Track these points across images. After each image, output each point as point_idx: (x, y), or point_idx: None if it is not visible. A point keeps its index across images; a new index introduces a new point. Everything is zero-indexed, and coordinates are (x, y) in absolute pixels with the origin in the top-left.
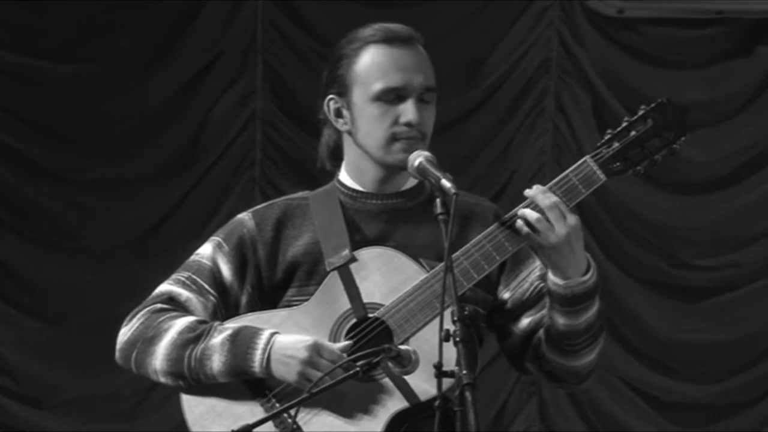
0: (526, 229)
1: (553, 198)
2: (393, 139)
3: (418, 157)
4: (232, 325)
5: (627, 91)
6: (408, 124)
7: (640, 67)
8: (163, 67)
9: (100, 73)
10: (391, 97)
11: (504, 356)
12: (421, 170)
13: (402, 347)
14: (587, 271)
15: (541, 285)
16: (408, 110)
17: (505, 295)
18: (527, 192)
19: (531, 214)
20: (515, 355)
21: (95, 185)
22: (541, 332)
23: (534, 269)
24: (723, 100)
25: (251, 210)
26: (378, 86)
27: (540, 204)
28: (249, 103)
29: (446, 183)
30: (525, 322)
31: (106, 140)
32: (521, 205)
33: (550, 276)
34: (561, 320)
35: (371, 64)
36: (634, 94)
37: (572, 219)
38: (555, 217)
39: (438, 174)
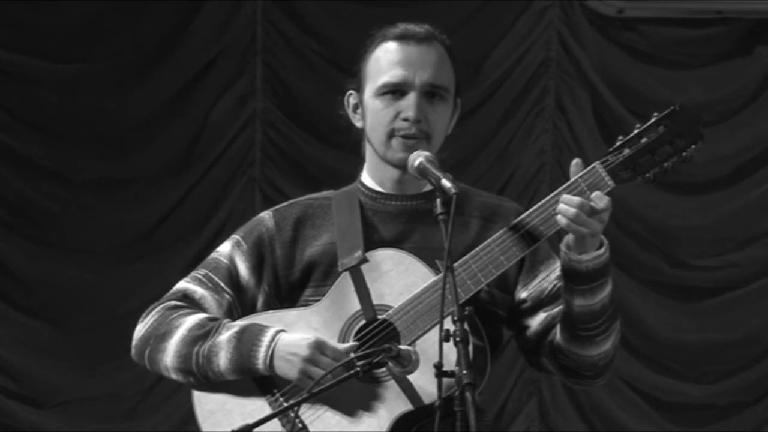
0: (565, 220)
1: (578, 199)
2: (392, 134)
3: (418, 158)
4: (239, 322)
5: (627, 91)
6: (406, 120)
7: (640, 67)
8: (163, 67)
9: (100, 73)
10: (393, 92)
11: (520, 352)
12: (421, 170)
13: (402, 347)
14: (600, 246)
15: (561, 284)
16: (407, 106)
17: (523, 294)
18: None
19: (568, 211)
20: (531, 351)
21: (95, 185)
22: (557, 327)
23: (554, 270)
24: (723, 100)
25: (273, 209)
26: (381, 81)
27: (568, 204)
28: (249, 103)
29: (446, 183)
30: (542, 316)
31: (106, 140)
32: (530, 212)
33: (572, 254)
34: (578, 301)
35: (379, 59)
36: (634, 94)
37: (605, 203)
38: (589, 210)
39: (438, 174)
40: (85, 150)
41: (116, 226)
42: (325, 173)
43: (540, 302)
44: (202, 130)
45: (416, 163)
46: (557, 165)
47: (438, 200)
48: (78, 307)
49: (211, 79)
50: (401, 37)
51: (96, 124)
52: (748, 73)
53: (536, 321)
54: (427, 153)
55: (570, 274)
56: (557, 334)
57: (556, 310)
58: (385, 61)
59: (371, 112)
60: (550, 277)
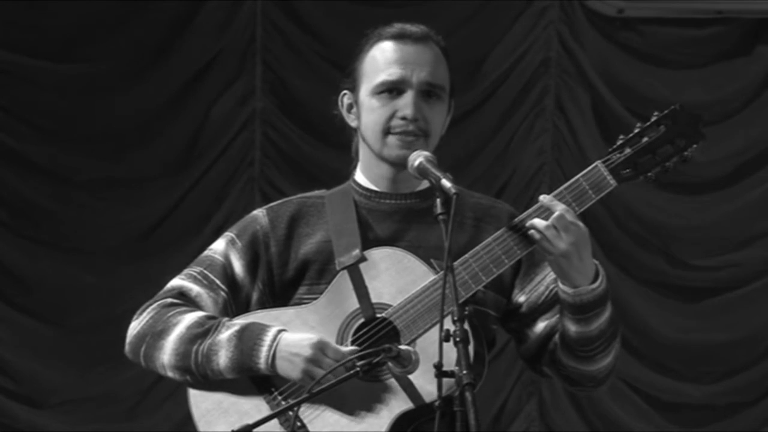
0: (537, 236)
1: (562, 206)
2: (388, 132)
3: (418, 157)
4: (239, 321)
5: (627, 91)
6: (404, 118)
7: (640, 67)
8: (163, 67)
9: (100, 73)
10: (390, 90)
11: (521, 360)
12: (421, 170)
13: (402, 347)
14: (596, 279)
15: (557, 288)
16: (405, 104)
17: (521, 298)
18: (541, 198)
19: (540, 223)
20: (532, 360)
21: (95, 185)
22: (556, 337)
23: (549, 272)
24: (723, 100)
25: (266, 206)
26: (378, 79)
27: (550, 211)
28: (248, 103)
29: (446, 183)
30: (540, 326)
31: (106, 140)
32: (531, 210)
33: (560, 285)
34: (573, 327)
35: (376, 58)
36: (634, 94)
37: (580, 227)
38: (563, 225)
39: (438, 174)
40: (85, 150)
41: (116, 226)
42: (324, 173)
43: (537, 308)
44: (202, 130)
45: (416, 162)
46: (557, 165)
47: (438, 200)
48: (78, 307)
49: (210, 79)
50: (398, 37)
51: (96, 124)
52: (748, 73)
53: (536, 331)
54: (427, 153)
55: (563, 304)
56: (557, 346)
57: (554, 318)
58: (382, 60)
59: (367, 110)
60: (545, 280)
